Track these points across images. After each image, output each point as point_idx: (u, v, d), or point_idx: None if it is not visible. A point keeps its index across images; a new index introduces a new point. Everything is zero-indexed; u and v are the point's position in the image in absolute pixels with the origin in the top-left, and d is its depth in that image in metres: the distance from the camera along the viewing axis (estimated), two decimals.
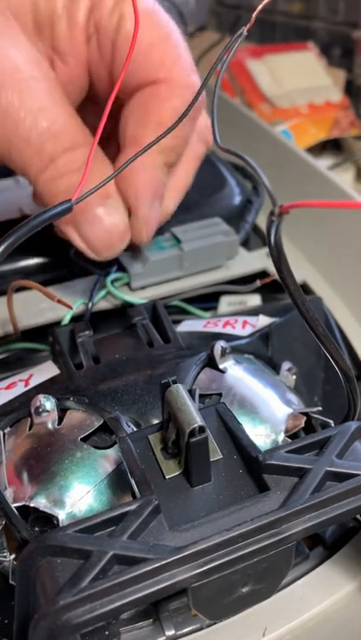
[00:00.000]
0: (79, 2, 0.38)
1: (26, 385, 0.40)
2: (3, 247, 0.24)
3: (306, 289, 0.54)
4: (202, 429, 0.27)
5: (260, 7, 0.27)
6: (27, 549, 0.26)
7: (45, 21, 0.38)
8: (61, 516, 0.32)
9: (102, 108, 0.37)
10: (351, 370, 0.31)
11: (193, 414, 0.28)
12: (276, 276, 0.51)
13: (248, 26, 0.28)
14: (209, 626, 0.32)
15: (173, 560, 0.24)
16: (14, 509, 0.28)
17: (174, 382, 0.30)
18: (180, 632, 0.31)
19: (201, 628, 0.31)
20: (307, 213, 0.61)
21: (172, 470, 0.29)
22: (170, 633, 0.31)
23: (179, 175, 0.44)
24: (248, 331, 0.44)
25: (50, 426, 0.35)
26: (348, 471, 0.27)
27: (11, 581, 0.32)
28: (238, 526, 0.25)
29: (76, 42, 0.39)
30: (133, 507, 0.26)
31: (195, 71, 0.39)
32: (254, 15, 0.27)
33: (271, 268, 0.54)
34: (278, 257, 0.26)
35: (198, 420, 0.27)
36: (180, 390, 0.29)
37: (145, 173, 0.40)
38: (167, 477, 0.29)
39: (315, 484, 0.27)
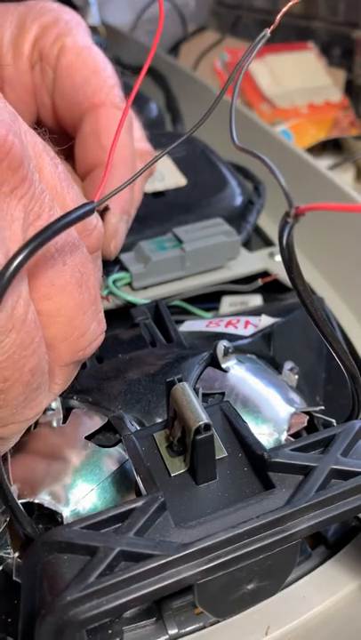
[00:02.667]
0: (25, 35, 0.42)
1: None
2: (26, 252, 0.23)
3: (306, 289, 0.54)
4: (207, 427, 0.28)
5: (284, 9, 0.27)
6: (33, 545, 0.26)
7: None
8: (66, 513, 0.32)
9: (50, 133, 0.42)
10: (357, 369, 0.31)
11: (199, 412, 0.28)
12: (278, 276, 0.52)
13: (272, 27, 0.28)
14: (212, 624, 0.32)
15: (180, 556, 0.24)
16: (20, 505, 0.28)
17: (180, 380, 0.30)
18: (183, 630, 0.31)
19: (204, 627, 0.32)
20: (308, 214, 0.61)
21: (177, 468, 0.29)
22: (173, 632, 0.31)
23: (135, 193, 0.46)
24: (250, 331, 0.44)
25: (54, 424, 0.35)
26: (353, 469, 0.27)
27: (15, 578, 0.32)
28: (244, 523, 0.25)
29: (22, 70, 0.42)
30: (140, 503, 0.26)
31: (123, 99, 0.43)
32: (278, 17, 0.27)
33: (272, 269, 0.54)
34: (289, 258, 0.26)
35: (204, 418, 0.28)
36: (186, 388, 0.29)
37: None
38: (172, 475, 0.29)
39: (320, 481, 0.27)
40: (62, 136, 0.45)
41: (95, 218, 0.32)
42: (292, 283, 0.27)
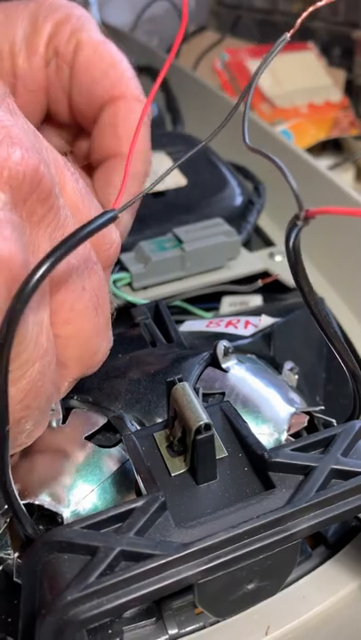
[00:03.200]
0: (39, 32, 0.42)
1: None
2: (49, 262, 0.23)
3: None
4: (208, 427, 0.28)
5: (306, 13, 0.27)
6: (33, 545, 0.26)
7: (5, 53, 0.42)
8: (66, 513, 0.32)
9: (59, 127, 0.44)
10: (359, 370, 0.31)
11: (199, 412, 0.28)
12: (278, 276, 0.52)
13: (291, 32, 0.28)
14: (212, 624, 0.32)
15: (180, 556, 0.24)
16: (22, 506, 0.28)
17: (180, 380, 0.30)
18: (183, 630, 0.31)
19: (204, 627, 0.32)
20: None
21: (177, 468, 0.30)
22: (173, 632, 0.31)
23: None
24: (250, 331, 0.44)
25: (54, 425, 0.35)
26: (354, 469, 0.27)
27: (15, 579, 0.32)
28: (244, 523, 0.25)
29: (36, 67, 0.42)
30: (140, 503, 0.26)
31: (142, 91, 0.43)
32: (299, 21, 0.27)
33: (272, 269, 0.54)
34: (295, 260, 0.26)
35: (205, 418, 0.28)
36: (187, 388, 0.29)
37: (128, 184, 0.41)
38: (173, 475, 0.29)
39: (320, 481, 0.27)
40: (73, 129, 0.46)
41: (115, 231, 0.32)
42: (297, 284, 0.27)
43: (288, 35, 0.28)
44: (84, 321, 0.29)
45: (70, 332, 0.28)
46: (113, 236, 0.32)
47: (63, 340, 0.28)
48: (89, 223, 0.25)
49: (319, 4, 0.28)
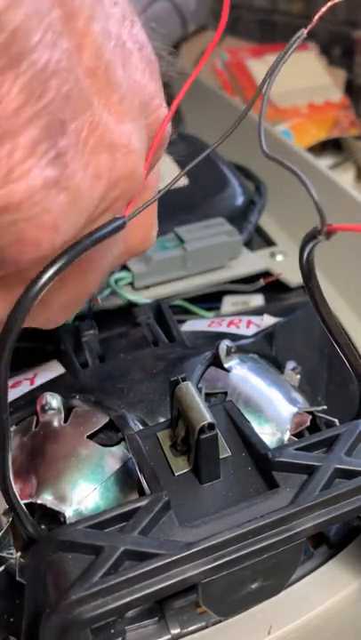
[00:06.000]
0: None
1: (31, 383, 0.40)
2: (54, 268, 0.23)
3: None
4: (212, 426, 0.28)
5: (321, 11, 0.27)
6: (37, 545, 0.26)
7: None
8: (68, 512, 0.32)
9: None
10: None
11: (203, 411, 0.28)
12: (280, 276, 0.52)
13: (308, 27, 0.27)
14: (214, 624, 0.32)
15: (184, 556, 0.24)
16: (23, 506, 0.28)
17: (183, 380, 0.30)
18: (186, 630, 0.31)
19: (206, 627, 0.32)
20: (308, 213, 0.61)
21: (181, 467, 0.30)
22: (175, 631, 0.31)
23: None
24: (252, 330, 0.44)
25: (56, 424, 0.35)
26: (357, 468, 0.27)
27: (18, 578, 0.32)
28: (248, 523, 0.25)
29: None
30: (144, 503, 0.26)
31: None
32: (315, 18, 0.27)
33: (274, 268, 0.54)
34: (309, 271, 0.26)
35: (208, 417, 0.28)
36: (190, 388, 0.29)
37: None
38: (176, 474, 0.29)
39: (324, 481, 0.27)
40: None
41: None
42: (308, 292, 0.27)
43: (305, 31, 0.27)
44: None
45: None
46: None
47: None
48: (97, 229, 0.25)
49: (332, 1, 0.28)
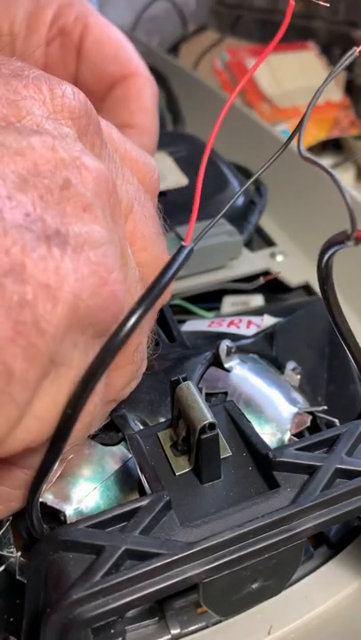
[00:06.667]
0: (43, 12, 0.44)
1: None
2: (137, 315, 0.23)
3: (309, 290, 0.54)
4: (212, 426, 0.28)
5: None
6: (38, 544, 0.26)
7: (4, 30, 0.44)
8: (68, 511, 0.32)
9: None
10: None
11: (204, 411, 0.28)
12: (280, 274, 0.52)
13: (359, 48, 0.27)
14: (214, 624, 0.32)
15: (185, 555, 0.24)
16: (38, 504, 0.28)
17: (184, 379, 0.30)
18: (186, 630, 0.31)
19: (206, 627, 0.32)
20: (308, 213, 0.61)
21: (181, 467, 0.30)
22: (175, 631, 0.31)
23: None
24: (253, 330, 0.44)
25: None
26: (358, 468, 0.27)
27: (18, 577, 0.32)
28: (249, 522, 0.26)
29: (35, 46, 0.44)
30: (145, 502, 0.26)
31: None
32: None
33: (274, 268, 0.54)
34: (326, 275, 0.26)
35: (209, 417, 0.28)
36: (191, 387, 0.29)
37: None
38: (177, 474, 0.29)
39: (325, 481, 0.27)
40: None
41: (153, 160, 0.34)
42: (322, 294, 0.27)
43: (357, 50, 0.26)
44: (154, 245, 0.30)
45: (147, 258, 0.30)
46: (153, 163, 0.33)
47: (144, 268, 0.30)
48: (169, 264, 0.25)
49: None
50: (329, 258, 0.25)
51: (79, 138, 0.25)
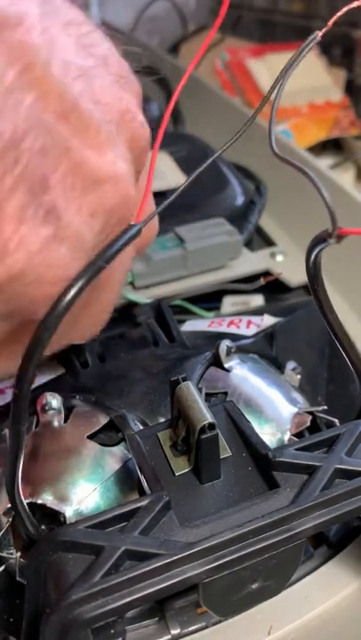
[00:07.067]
0: None
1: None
2: (76, 288, 0.23)
3: (309, 290, 0.54)
4: (212, 426, 0.28)
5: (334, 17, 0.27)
6: (38, 545, 0.26)
7: None
8: (68, 512, 0.32)
9: None
10: None
11: (203, 411, 0.28)
12: (281, 275, 0.52)
13: (323, 30, 0.27)
14: (214, 624, 0.32)
15: (185, 556, 0.24)
16: (26, 506, 0.28)
17: (184, 380, 0.30)
18: (186, 630, 0.31)
19: (206, 627, 0.32)
20: (308, 213, 0.61)
21: (181, 467, 0.29)
22: (175, 631, 0.31)
23: None
24: (253, 330, 0.44)
25: (56, 424, 0.35)
26: (358, 468, 0.27)
27: (18, 578, 0.32)
28: (249, 523, 0.26)
29: None
30: (144, 503, 0.26)
31: None
32: (331, 22, 0.27)
33: (274, 268, 0.54)
34: (315, 274, 0.26)
35: (209, 417, 0.28)
36: (191, 387, 0.29)
37: None
38: (177, 474, 0.29)
39: (324, 481, 0.27)
40: None
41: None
42: (313, 293, 0.27)
43: (319, 34, 0.27)
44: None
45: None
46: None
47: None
48: (113, 241, 0.25)
49: (355, 3, 0.28)
50: (316, 256, 0.25)
51: (130, 160, 0.27)
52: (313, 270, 0.26)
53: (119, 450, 0.34)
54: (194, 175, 0.30)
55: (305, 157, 0.65)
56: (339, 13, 0.27)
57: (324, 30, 0.27)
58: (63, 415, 0.35)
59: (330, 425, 0.37)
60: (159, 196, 0.58)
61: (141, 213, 0.28)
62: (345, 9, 0.27)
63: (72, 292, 0.23)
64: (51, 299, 0.24)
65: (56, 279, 0.24)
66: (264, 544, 0.25)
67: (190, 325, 0.47)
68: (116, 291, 0.32)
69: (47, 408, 0.35)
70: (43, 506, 0.32)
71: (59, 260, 0.24)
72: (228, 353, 0.38)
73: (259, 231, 0.62)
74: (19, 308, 0.25)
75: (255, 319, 0.45)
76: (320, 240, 0.24)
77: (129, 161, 0.27)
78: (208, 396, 0.37)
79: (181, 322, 0.47)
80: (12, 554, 0.33)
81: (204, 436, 0.28)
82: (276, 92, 0.27)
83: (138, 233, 0.26)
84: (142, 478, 0.29)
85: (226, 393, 0.37)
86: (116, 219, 0.26)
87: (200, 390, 0.34)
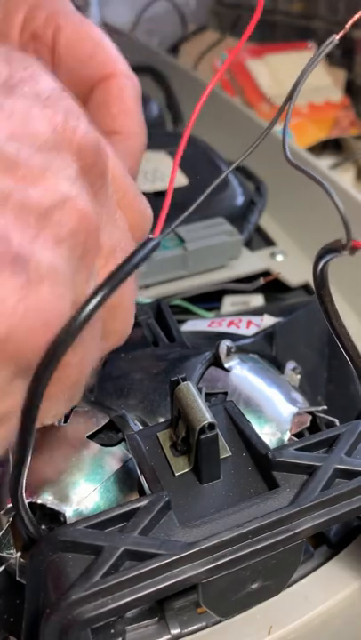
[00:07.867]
0: (11, 18, 0.41)
1: None
2: (100, 296, 0.23)
3: (309, 290, 0.54)
4: (212, 426, 0.28)
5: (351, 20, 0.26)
6: (38, 545, 0.26)
7: None
8: (68, 512, 0.32)
9: None
10: None
11: (203, 411, 0.28)
12: (280, 275, 0.52)
13: (341, 34, 0.27)
14: (214, 624, 0.32)
15: (185, 556, 0.24)
16: (27, 506, 0.28)
17: (183, 380, 0.30)
18: (186, 630, 0.31)
19: (206, 627, 0.32)
20: (308, 213, 0.61)
21: (181, 467, 0.29)
22: (175, 631, 0.31)
23: None
24: (252, 330, 0.44)
25: (56, 424, 0.35)
26: (358, 468, 0.27)
27: (18, 578, 0.32)
28: (249, 523, 0.25)
29: None
30: (144, 503, 0.26)
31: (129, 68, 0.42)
32: (347, 25, 0.26)
33: (273, 268, 0.54)
34: (321, 282, 0.26)
35: (209, 417, 0.28)
36: (190, 387, 0.29)
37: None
38: (176, 474, 0.29)
39: (324, 481, 0.27)
40: None
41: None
42: (319, 299, 0.27)
43: (336, 37, 0.27)
44: (126, 287, 0.28)
45: (115, 301, 0.28)
46: (148, 212, 0.33)
47: (110, 309, 0.28)
48: (132, 256, 0.25)
49: None
50: (324, 265, 0.25)
51: (80, 174, 0.25)
52: (320, 278, 0.26)
53: (119, 450, 0.34)
54: (207, 192, 0.30)
55: (305, 158, 0.65)
56: (356, 16, 0.26)
57: (341, 34, 0.26)
58: (63, 415, 0.35)
59: (330, 425, 0.37)
60: (160, 195, 0.58)
61: (159, 226, 0.28)
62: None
63: (95, 301, 0.23)
64: (41, 344, 0.23)
65: (48, 320, 0.23)
66: (264, 544, 0.25)
67: (190, 325, 0.47)
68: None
69: None
70: (43, 506, 0.32)
71: (42, 301, 0.23)
72: (228, 353, 0.38)
73: (259, 231, 0.63)
74: (25, 363, 0.24)
75: (255, 319, 0.45)
76: (330, 250, 0.24)
77: (77, 176, 0.26)
78: (208, 396, 0.37)
79: (181, 322, 0.47)
80: (12, 554, 0.33)
81: (203, 436, 0.28)
82: (289, 105, 0.27)
83: (158, 245, 0.26)
84: (142, 478, 0.29)
85: (226, 393, 0.37)
86: (82, 235, 0.25)
87: (200, 390, 0.34)
